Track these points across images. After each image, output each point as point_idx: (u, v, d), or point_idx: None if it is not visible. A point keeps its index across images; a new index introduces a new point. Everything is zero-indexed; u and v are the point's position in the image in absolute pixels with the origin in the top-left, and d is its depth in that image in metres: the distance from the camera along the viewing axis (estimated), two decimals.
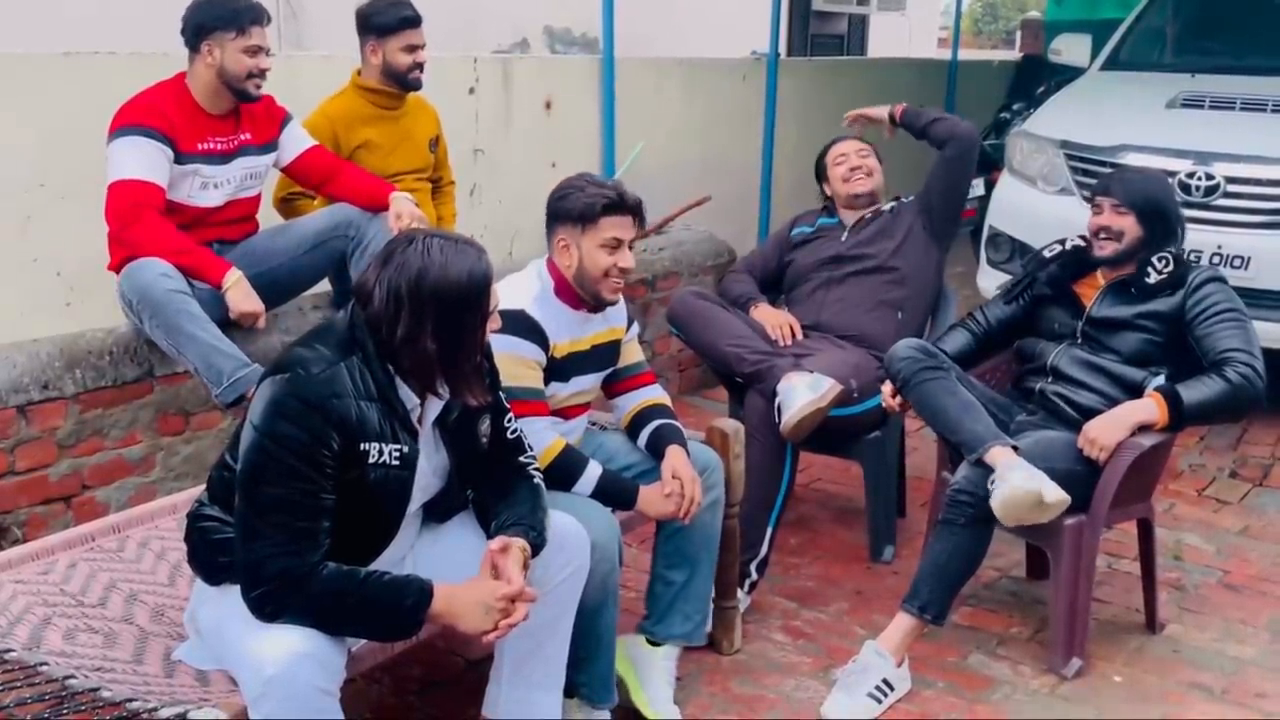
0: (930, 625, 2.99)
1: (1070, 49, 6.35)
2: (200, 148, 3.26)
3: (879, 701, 2.89)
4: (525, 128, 5.55)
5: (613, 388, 2.94)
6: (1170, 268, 3.18)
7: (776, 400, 3.34)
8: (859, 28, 13.24)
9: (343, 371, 2.04)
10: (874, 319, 3.74)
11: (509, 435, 2.40)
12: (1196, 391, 2.97)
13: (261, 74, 3.29)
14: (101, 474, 3.30)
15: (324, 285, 3.73)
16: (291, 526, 1.97)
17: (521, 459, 2.41)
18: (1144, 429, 2.98)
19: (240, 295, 3.16)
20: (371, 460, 2.07)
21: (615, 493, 2.65)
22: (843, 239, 3.90)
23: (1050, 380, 3.25)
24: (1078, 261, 3.32)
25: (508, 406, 2.41)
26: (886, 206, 3.92)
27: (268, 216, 3.69)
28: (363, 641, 2.18)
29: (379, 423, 2.08)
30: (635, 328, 2.98)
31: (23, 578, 2.46)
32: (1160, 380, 3.11)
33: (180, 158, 3.21)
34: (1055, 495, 2.79)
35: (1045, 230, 4.44)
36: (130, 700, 1.99)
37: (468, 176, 5.27)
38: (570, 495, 2.59)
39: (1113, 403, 3.10)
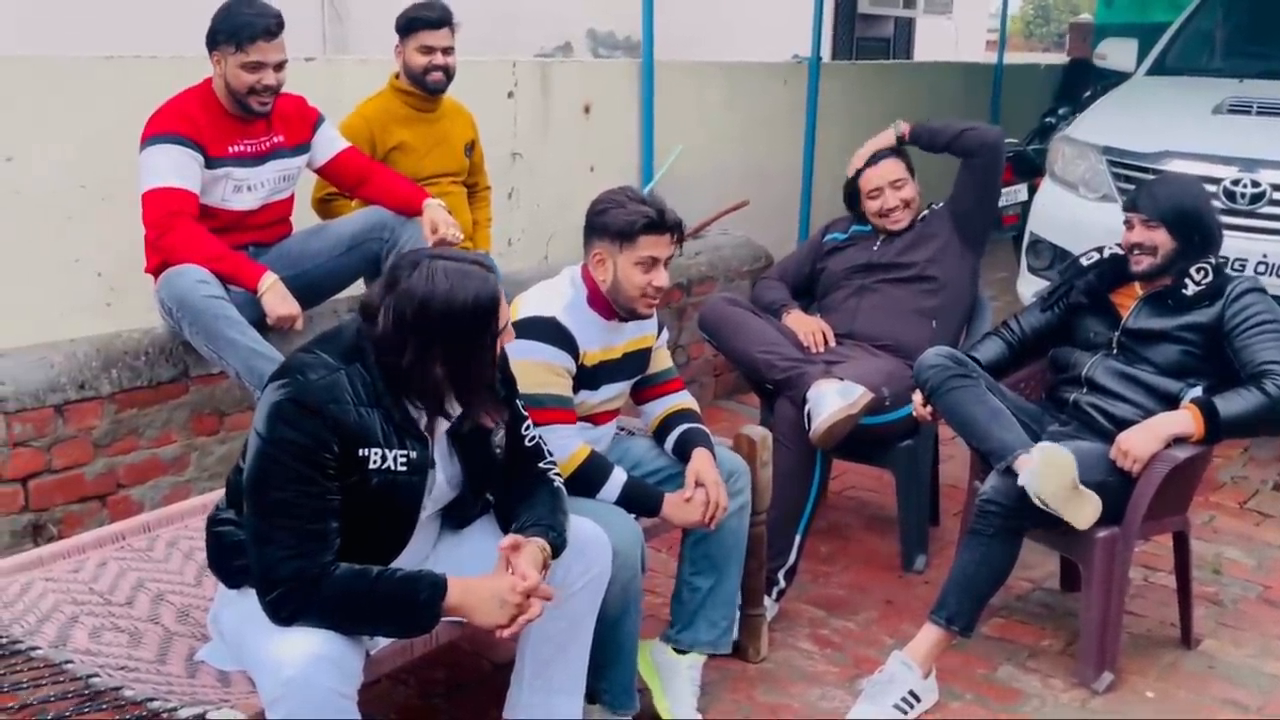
0: (958, 637, 2.96)
1: (1116, 53, 6.27)
2: (231, 151, 3.29)
3: (904, 713, 2.87)
4: (564, 131, 5.56)
5: (642, 394, 2.94)
6: (1209, 278, 3.13)
7: (806, 407, 3.32)
8: (905, 31, 13.18)
9: (343, 378, 2.06)
10: (908, 327, 3.71)
11: (527, 443, 2.40)
12: (1233, 404, 2.92)
13: (265, 90, 3.26)
14: (136, 473, 3.34)
15: (359, 286, 3.75)
16: (300, 529, 1.99)
17: (541, 465, 2.42)
18: (1179, 441, 2.94)
19: (276, 298, 3.19)
20: (373, 466, 2.08)
21: (640, 500, 2.65)
22: (875, 247, 3.87)
23: (1085, 391, 3.21)
24: (1115, 271, 3.28)
25: (525, 414, 2.41)
26: (919, 215, 3.89)
27: (303, 218, 3.72)
28: (382, 644, 2.18)
29: (381, 429, 2.09)
30: (665, 334, 2.98)
31: (53, 575, 2.50)
32: (1197, 392, 3.06)
33: (211, 162, 3.24)
34: (1088, 491, 2.77)
35: (1086, 237, 4.38)
36: (151, 700, 2.01)
37: (506, 180, 5.29)
38: (594, 502, 2.59)
39: (1148, 414, 3.06)
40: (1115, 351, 3.20)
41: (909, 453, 3.67)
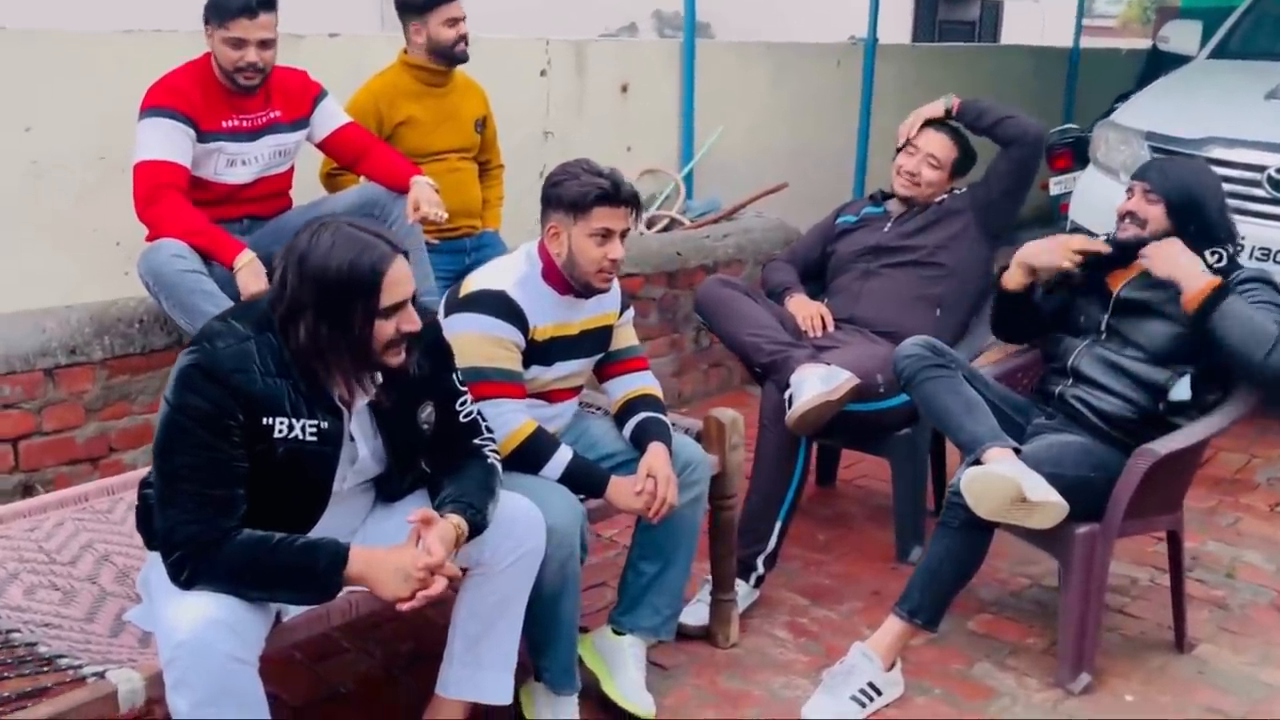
0: (922, 631, 2.88)
1: (1179, 36, 6.05)
2: (225, 125, 3.33)
3: (863, 705, 2.80)
4: (599, 111, 5.53)
5: (604, 371, 2.91)
6: (1222, 264, 3.01)
7: (788, 392, 3.26)
8: (992, 14, 12.92)
9: (251, 347, 2.07)
10: (911, 314, 3.61)
11: (461, 419, 2.39)
12: (1244, 307, 2.80)
13: (249, 67, 3.28)
14: (128, 438, 3.42)
15: None
16: (202, 494, 2.01)
17: (476, 441, 2.41)
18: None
19: (250, 275, 3.21)
20: (279, 435, 2.08)
21: (584, 479, 2.62)
22: (886, 228, 3.78)
23: (1070, 383, 3.10)
24: (1119, 251, 3.15)
25: (462, 390, 2.40)
26: (938, 198, 3.79)
27: (306, 193, 3.76)
28: (295, 611, 2.19)
29: (290, 399, 2.09)
30: (630, 312, 2.94)
31: (9, 533, 2.57)
32: (1184, 381, 2.93)
33: (203, 136, 3.28)
34: (1042, 495, 2.66)
35: None
36: (61, 657, 2.06)
37: (537, 159, 5.29)
38: (537, 479, 2.57)
39: (1133, 406, 2.96)
40: (1104, 335, 3.08)
41: (907, 442, 3.58)
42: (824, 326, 3.64)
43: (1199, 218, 3.01)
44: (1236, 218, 4.16)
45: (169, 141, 3.21)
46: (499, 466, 2.40)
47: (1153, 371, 2.98)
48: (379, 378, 2.21)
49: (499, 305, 2.60)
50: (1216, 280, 2.84)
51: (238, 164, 3.39)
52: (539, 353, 2.68)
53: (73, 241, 3.96)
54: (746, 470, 3.23)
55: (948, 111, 3.80)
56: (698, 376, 5.13)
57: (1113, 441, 2.98)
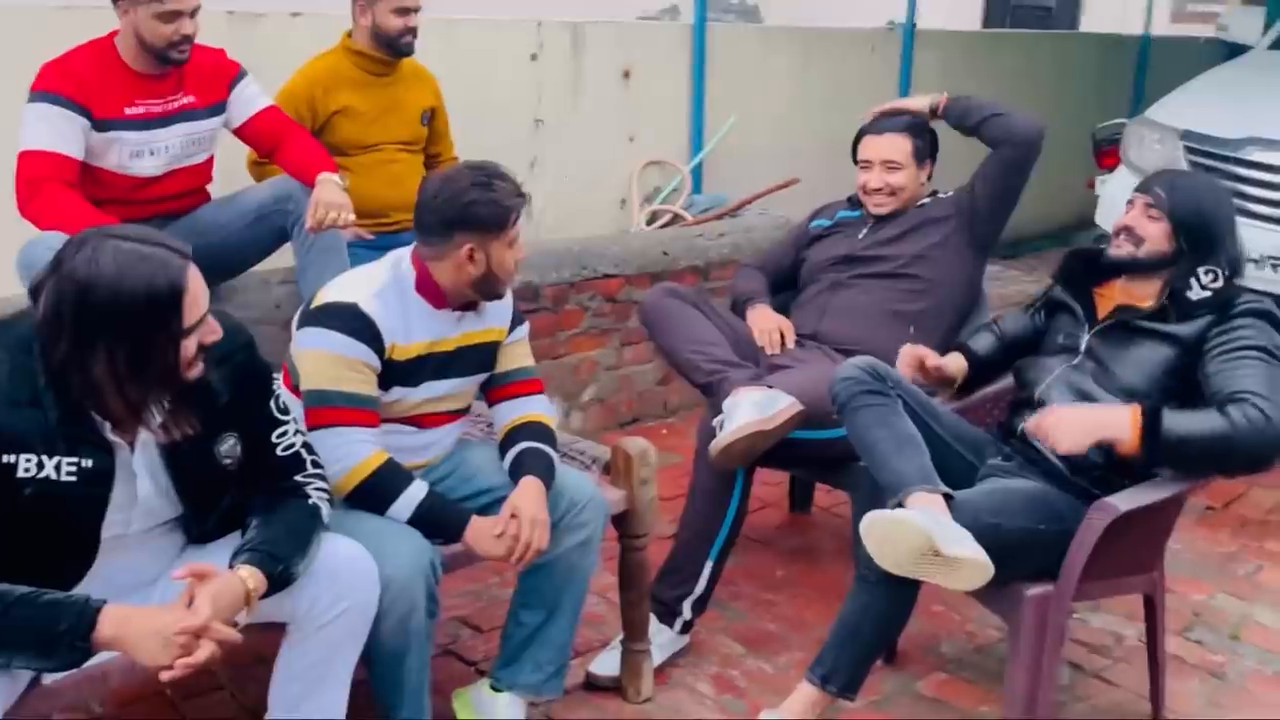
0: (837, 699, 2.53)
1: (1239, 24, 5.52)
2: (128, 113, 3.07)
3: None
4: (598, 98, 5.21)
5: (490, 394, 2.61)
6: (1218, 284, 2.59)
7: (718, 418, 2.92)
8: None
9: (2, 373, 1.80)
10: (880, 331, 3.24)
11: (279, 452, 2.10)
12: (1185, 421, 2.39)
13: (184, 39, 3.04)
14: None
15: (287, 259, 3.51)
16: None
17: (298, 478, 2.12)
18: (1110, 446, 2.43)
19: None
20: (24, 474, 1.81)
21: (439, 521, 2.31)
22: (860, 235, 3.41)
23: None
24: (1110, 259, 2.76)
25: (281, 419, 2.11)
26: (919, 201, 3.41)
27: (235, 185, 3.50)
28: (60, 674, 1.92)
29: (42, 433, 1.82)
30: (523, 329, 2.63)
31: None
32: None
33: (99, 125, 3.03)
34: (960, 550, 2.28)
35: None
36: None
37: (527, 148, 5.00)
38: (384, 520, 2.27)
39: (1101, 449, 2.55)
40: (1082, 358, 2.69)
41: (867, 474, 3.20)
42: (783, 343, 3.28)
43: (1206, 243, 2.60)
44: (1273, 228, 3.72)
45: (54, 131, 2.96)
46: (323, 508, 2.11)
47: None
48: (165, 406, 1.92)
49: (348, 320, 2.30)
50: (1136, 410, 2.43)
51: (144, 154, 3.14)
52: (402, 373, 2.38)
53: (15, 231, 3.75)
54: (675, 505, 2.92)
55: (933, 110, 3.40)
56: (684, 386, 4.74)
57: (1075, 490, 2.58)
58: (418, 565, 2.20)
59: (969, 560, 2.30)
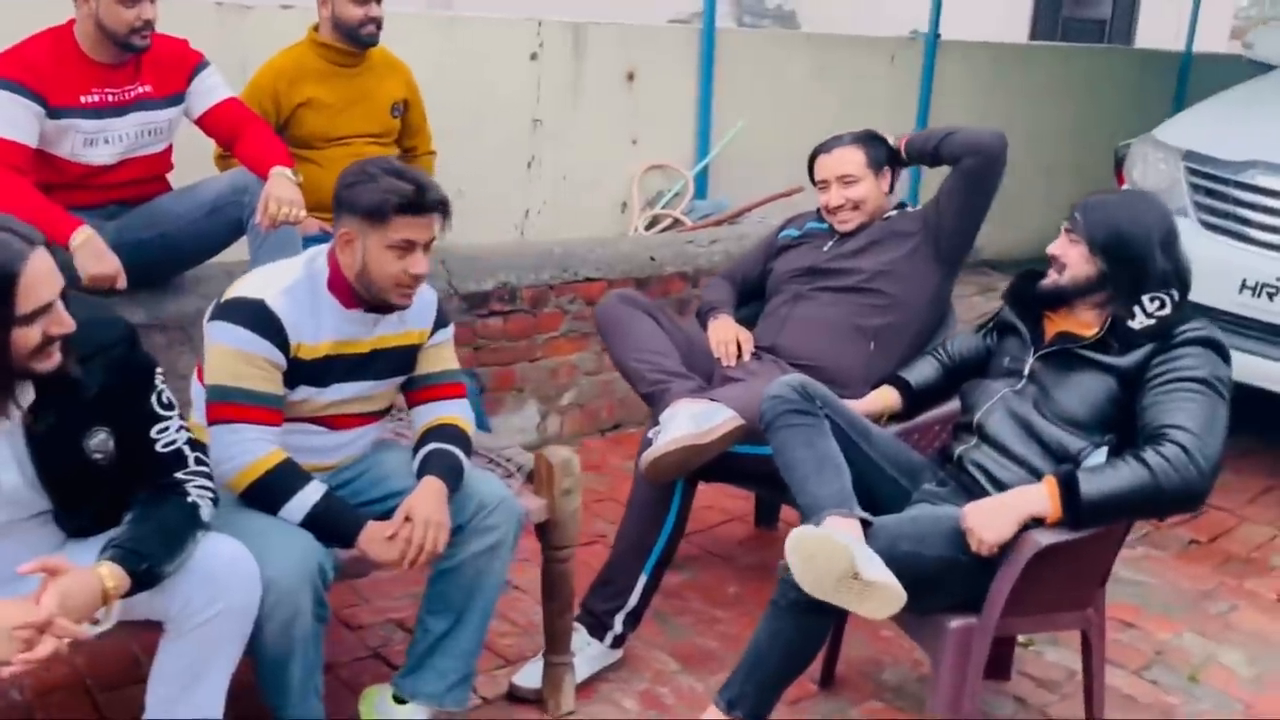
0: None
1: (1265, 43, 5.34)
2: (83, 101, 3.07)
3: None
4: (600, 99, 5.15)
5: (410, 397, 2.56)
6: (1165, 312, 2.48)
7: (652, 430, 2.86)
8: (1127, 11, 12.01)
9: None
10: (839, 345, 3.17)
11: (159, 448, 2.07)
12: (1102, 481, 2.29)
13: (146, 25, 3.04)
14: None
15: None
16: None
17: (180, 475, 2.08)
18: (1039, 522, 2.34)
19: (88, 256, 2.96)
20: None
21: (332, 524, 2.27)
22: (825, 248, 3.33)
23: (974, 443, 2.61)
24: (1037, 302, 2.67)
25: (164, 414, 2.08)
26: (885, 214, 3.32)
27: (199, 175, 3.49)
28: None
29: None
30: (447, 332, 2.58)
31: None
32: (1100, 453, 2.44)
33: (54, 112, 3.02)
34: (877, 574, 2.20)
35: None
36: None
37: (524, 149, 4.96)
38: (275, 521, 2.24)
39: (1037, 479, 2.45)
40: (1026, 384, 2.59)
41: None
42: (740, 355, 3.21)
43: (1129, 263, 2.49)
44: (1273, 255, 3.60)
45: (6, 117, 2.96)
46: (204, 507, 2.08)
47: (1066, 437, 2.48)
48: (30, 395, 1.90)
49: (253, 316, 2.26)
50: (1051, 482, 2.33)
51: (98, 143, 3.13)
52: (309, 372, 2.34)
53: None
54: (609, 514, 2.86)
55: (894, 152, 3.32)
56: None
57: None
58: (303, 568, 2.16)
59: (883, 586, 2.22)
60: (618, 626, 2.92)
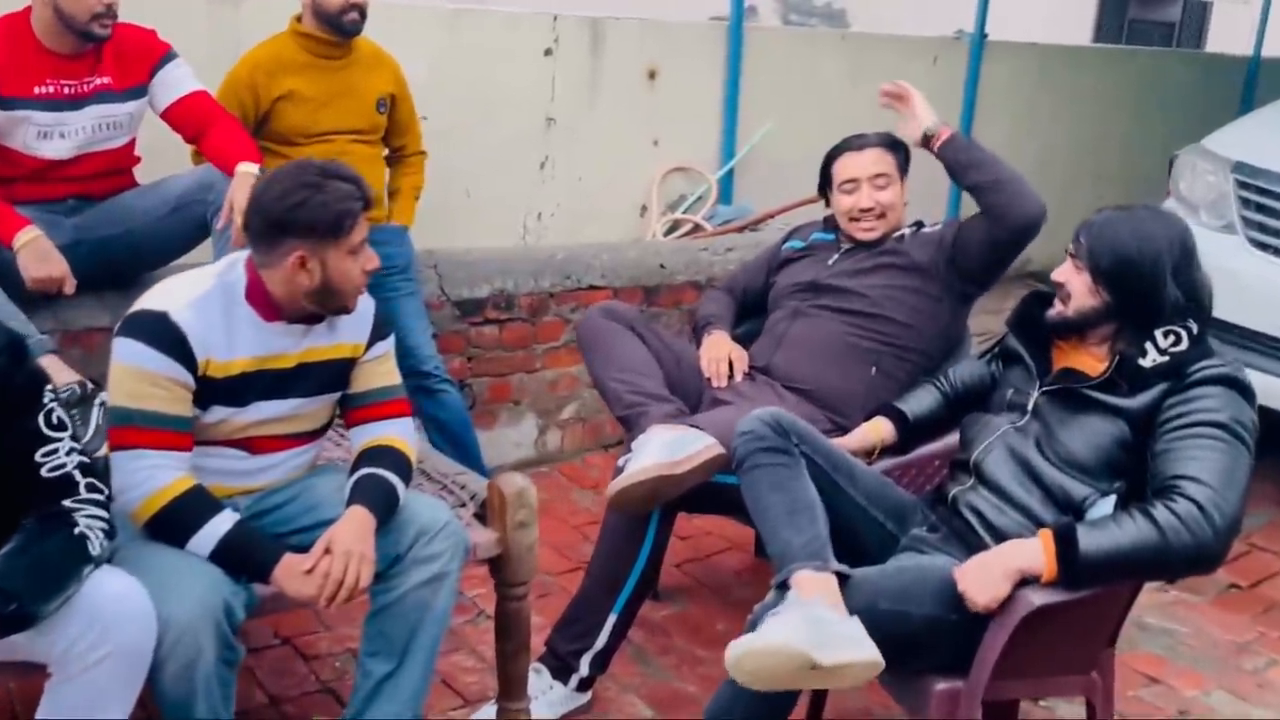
0: None
1: None
2: (37, 92, 2.91)
3: None
4: (618, 98, 4.92)
5: (347, 416, 2.36)
6: (1181, 348, 2.21)
7: (623, 458, 2.64)
8: (1197, 14, 11.56)
9: None
10: (838, 368, 2.92)
11: (45, 473, 1.89)
12: (1103, 537, 2.03)
13: (108, 11, 2.88)
14: None
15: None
16: None
17: (68, 503, 1.90)
18: (1033, 581, 2.08)
19: (32, 258, 2.79)
20: None
21: (242, 557, 2.06)
22: (831, 261, 3.09)
23: (970, 484, 2.35)
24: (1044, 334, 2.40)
25: (51, 437, 1.89)
26: (899, 231, 3.07)
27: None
28: None
29: None
30: (386, 345, 2.37)
31: None
32: (1107, 501, 2.17)
33: (6, 103, 2.87)
34: (841, 656, 1.95)
35: None
36: None
37: (538, 148, 4.75)
38: (181, 554, 2.04)
39: (1037, 527, 2.19)
40: (1029, 419, 2.33)
41: None
42: (731, 374, 2.98)
43: (1136, 293, 2.21)
44: None
45: None
46: (93, 539, 1.89)
47: (1070, 483, 2.22)
48: None
49: (154, 331, 2.06)
50: (1047, 536, 2.08)
51: (53, 136, 2.97)
52: (224, 390, 2.14)
53: None
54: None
55: (925, 136, 3.02)
56: None
57: None
58: (205, 606, 1.96)
59: (853, 664, 1.98)
60: (583, 669, 2.70)
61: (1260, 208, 3.75)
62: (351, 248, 2.14)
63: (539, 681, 2.67)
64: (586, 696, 2.75)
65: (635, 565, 2.71)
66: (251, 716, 2.67)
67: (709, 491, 2.65)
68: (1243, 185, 3.82)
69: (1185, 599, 3.49)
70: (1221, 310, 3.66)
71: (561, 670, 2.69)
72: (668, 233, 4.96)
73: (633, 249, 4.35)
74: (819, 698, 2.70)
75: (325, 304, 2.18)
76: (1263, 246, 3.73)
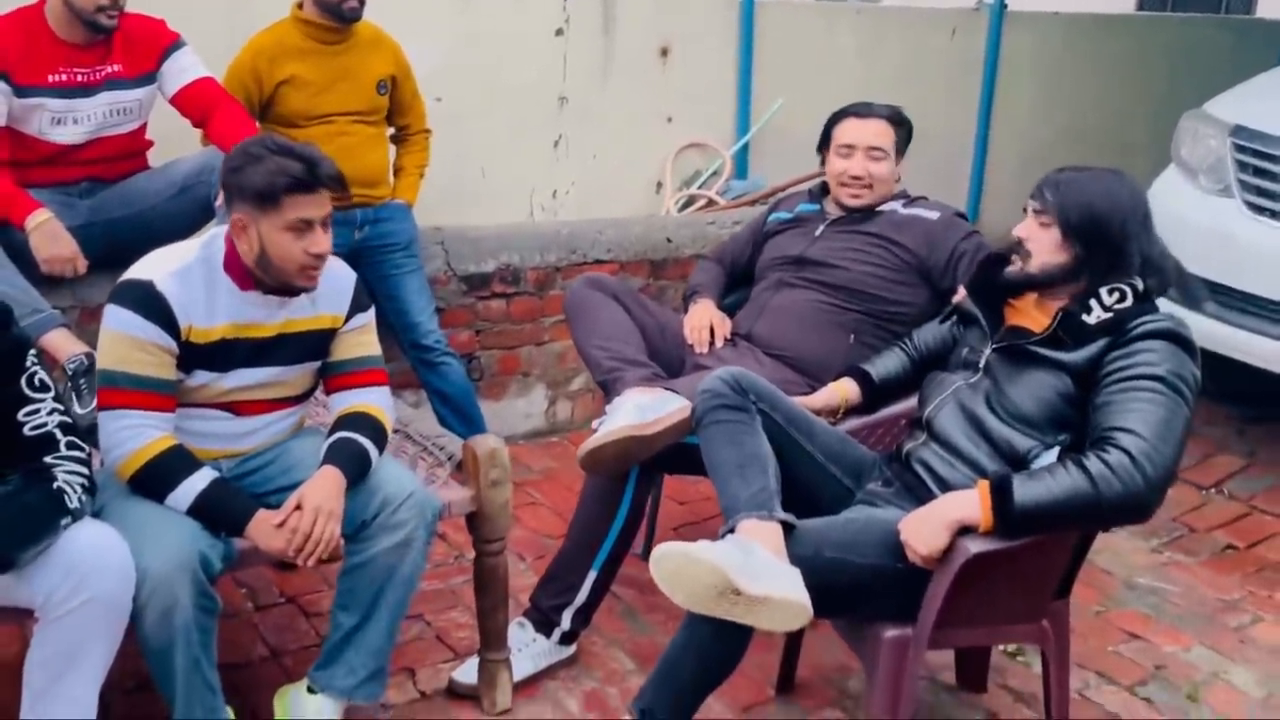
0: None
1: None
2: (51, 80, 3.07)
3: None
4: (632, 75, 5.00)
5: (327, 384, 2.49)
6: (1124, 304, 2.26)
7: (597, 420, 2.74)
8: None
9: None
10: (816, 337, 3.00)
11: (27, 431, 2.04)
12: (1036, 487, 2.09)
13: (114, 3, 3.03)
14: None
15: None
16: None
17: (49, 459, 2.05)
18: (970, 530, 2.15)
19: (44, 238, 2.95)
20: None
21: (218, 512, 2.20)
22: (817, 233, 3.15)
23: (923, 440, 2.43)
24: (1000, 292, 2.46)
25: (33, 397, 2.05)
26: (888, 205, 3.13)
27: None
28: None
29: None
30: (366, 316, 2.49)
31: None
32: (1050, 454, 2.24)
33: (21, 91, 3.03)
34: (764, 589, 2.05)
35: (1194, 242, 3.47)
36: None
37: (551, 127, 4.84)
38: (159, 509, 2.18)
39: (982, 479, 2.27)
40: (980, 377, 2.40)
41: None
42: (712, 340, 3.07)
43: (1106, 250, 2.27)
44: None
45: None
46: (70, 493, 2.03)
47: (1016, 436, 2.28)
48: None
49: (139, 299, 2.21)
50: (983, 486, 2.14)
51: (66, 122, 3.13)
52: (205, 356, 2.28)
53: None
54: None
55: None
56: None
57: None
58: (180, 557, 2.10)
59: (778, 600, 2.07)
60: (565, 623, 2.81)
61: (1257, 171, 3.74)
62: (287, 223, 2.20)
63: (523, 635, 2.79)
64: (570, 650, 2.86)
65: (613, 524, 2.80)
66: (254, 667, 2.82)
67: (682, 451, 2.74)
68: (1240, 149, 3.82)
69: (1179, 559, 3.53)
70: (1219, 273, 3.73)
71: (544, 624, 2.80)
72: (682, 208, 5.04)
73: (639, 224, 4.44)
74: (791, 653, 2.80)
75: (270, 275, 2.26)
76: (1259, 210, 3.73)
